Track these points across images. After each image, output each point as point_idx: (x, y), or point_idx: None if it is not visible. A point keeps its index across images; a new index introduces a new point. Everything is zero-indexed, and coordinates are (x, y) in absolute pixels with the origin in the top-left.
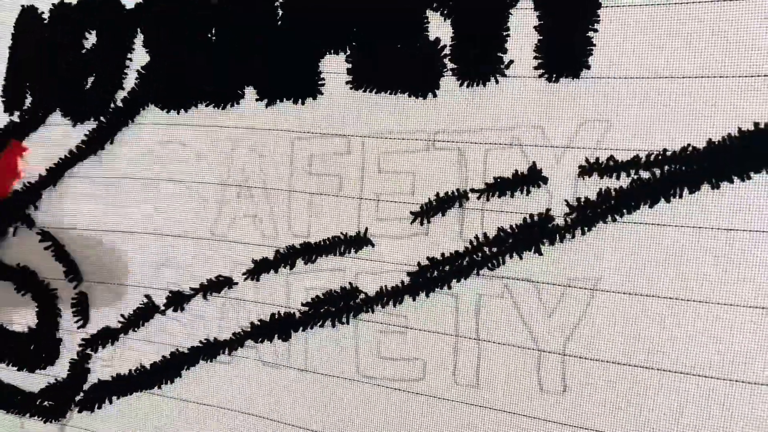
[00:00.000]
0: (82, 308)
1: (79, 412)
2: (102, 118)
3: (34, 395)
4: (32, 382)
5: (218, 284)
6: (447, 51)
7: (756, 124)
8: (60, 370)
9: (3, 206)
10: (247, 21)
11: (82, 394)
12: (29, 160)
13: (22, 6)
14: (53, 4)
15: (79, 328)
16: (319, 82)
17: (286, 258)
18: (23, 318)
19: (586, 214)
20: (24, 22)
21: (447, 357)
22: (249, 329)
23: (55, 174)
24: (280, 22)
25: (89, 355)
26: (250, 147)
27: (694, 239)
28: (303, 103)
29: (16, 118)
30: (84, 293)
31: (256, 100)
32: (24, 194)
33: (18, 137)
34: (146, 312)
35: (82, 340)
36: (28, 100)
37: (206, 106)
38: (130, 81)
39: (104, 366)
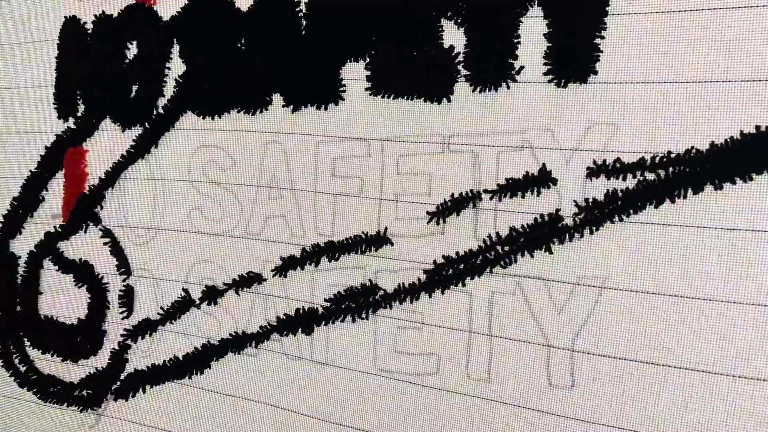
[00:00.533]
0: (127, 300)
1: (115, 400)
2: (147, 124)
3: (74, 385)
4: (72, 372)
5: (249, 280)
6: (461, 58)
7: (757, 128)
8: (100, 360)
9: (78, 206)
10: (274, 31)
11: (118, 383)
12: (90, 162)
13: (65, 17)
14: (95, 16)
15: (123, 318)
16: (341, 89)
17: (312, 256)
18: (73, 310)
19: (594, 214)
20: (68, 32)
21: (460, 352)
22: (275, 323)
23: (112, 176)
24: (304, 32)
25: (129, 346)
26: (278, 151)
27: (698, 238)
28: (326, 109)
29: (71, 124)
30: (131, 286)
31: (283, 106)
32: (91, 195)
33: (74, 143)
34: (183, 305)
35: (125, 330)
36: (81, 108)
37: (237, 112)
38: (169, 89)
39: (142, 356)
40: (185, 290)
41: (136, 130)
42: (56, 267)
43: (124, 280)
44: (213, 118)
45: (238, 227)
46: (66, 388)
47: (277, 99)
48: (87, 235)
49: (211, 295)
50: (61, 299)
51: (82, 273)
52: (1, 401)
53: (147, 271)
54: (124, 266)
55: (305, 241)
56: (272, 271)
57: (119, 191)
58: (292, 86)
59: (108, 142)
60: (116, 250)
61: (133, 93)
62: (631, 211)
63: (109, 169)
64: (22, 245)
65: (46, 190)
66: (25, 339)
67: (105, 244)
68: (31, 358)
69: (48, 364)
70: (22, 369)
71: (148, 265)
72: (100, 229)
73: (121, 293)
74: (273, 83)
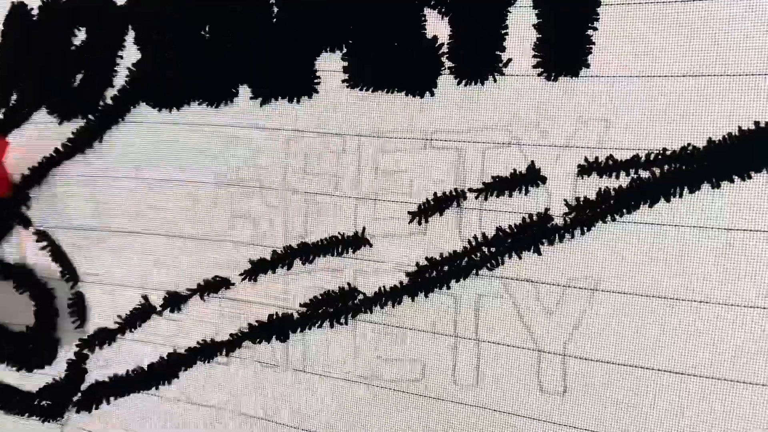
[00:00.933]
0: (78, 308)
1: (77, 412)
2: (90, 116)
3: (33, 395)
4: (31, 381)
5: (215, 285)
6: (444, 49)
7: (756, 123)
8: (58, 369)
9: (2, 205)
10: (242, 17)
11: (79, 394)
12: (12, 156)
13: (12, 2)
14: (42, 1)
15: (76, 328)
16: (315, 81)
17: (284, 258)
18: (22, 317)
19: (586, 214)
20: (13, 18)
21: (446, 358)
22: (247, 330)
23: (39, 173)
24: (275, 19)
25: (86, 356)
26: (244, 146)
27: (695, 239)
28: (298, 102)
29: (0, 114)
30: (81, 293)
31: (251, 98)
32: (13, 193)
33: (2, 133)
34: (143, 312)
35: (80, 340)
36: (14, 97)
37: (199, 104)
38: (120, 79)
39: (101, 367)
40: (144, 297)
41: (77, 123)
42: None
43: (71, 287)
44: (170, 111)
45: (199, 228)
46: (25, 398)
47: (245, 91)
48: (27, 237)
49: (174, 301)
50: (5, 305)
51: (22, 278)
52: None
53: (98, 277)
54: (69, 272)
55: (275, 243)
56: (240, 275)
57: (51, 190)
58: (261, 77)
59: (37, 135)
60: (57, 254)
61: (77, 82)
62: (625, 210)
63: (36, 165)
64: None
65: None
66: None
67: (42, 248)
68: None
69: (5, 373)
70: None
71: (99, 270)
72: (34, 232)
73: (71, 301)
74: (240, 74)
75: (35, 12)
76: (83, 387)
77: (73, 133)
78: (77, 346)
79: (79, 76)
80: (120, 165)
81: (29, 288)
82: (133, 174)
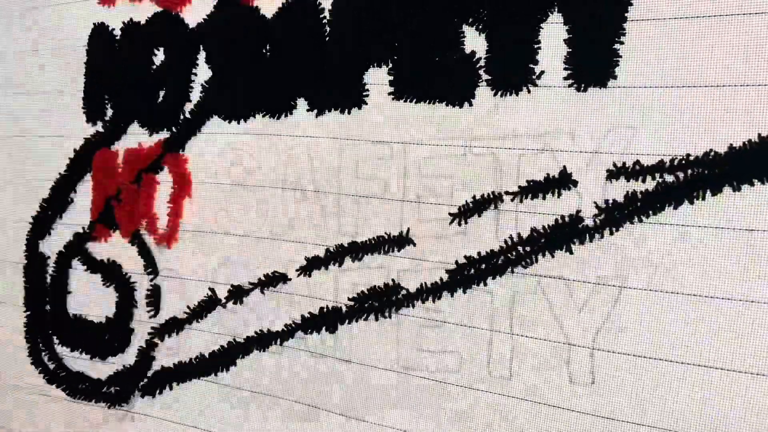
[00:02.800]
0: (155, 299)
1: (142, 397)
2: (174, 128)
3: (102, 382)
4: (101, 369)
5: (274, 280)
6: (482, 63)
7: None
8: (128, 358)
9: (106, 207)
10: (298, 37)
11: (146, 380)
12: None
13: (94, 24)
14: (124, 23)
15: (150, 317)
16: (364, 94)
17: (336, 256)
18: (101, 309)
19: (614, 216)
20: (96, 38)
21: (482, 350)
22: (299, 322)
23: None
24: (327, 38)
25: (156, 344)
26: (302, 154)
27: (717, 239)
28: (349, 113)
29: (99, 128)
30: (158, 286)
31: (307, 110)
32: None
33: (102, 146)
34: (209, 304)
35: (152, 328)
36: (109, 112)
37: (263, 116)
38: (195, 94)
39: (169, 354)
40: (211, 289)
41: (163, 134)
42: (85, 267)
43: (151, 280)
44: (238, 122)
45: (264, 228)
46: (94, 385)
47: (302, 104)
48: (113, 235)
49: (238, 294)
50: (90, 298)
51: (110, 273)
52: (31, 397)
53: (174, 271)
54: (151, 266)
55: (329, 242)
56: (297, 270)
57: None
58: (316, 91)
59: (135, 146)
60: (143, 250)
61: (160, 98)
62: (651, 212)
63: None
64: (52, 246)
65: (75, 192)
66: (54, 337)
67: (132, 244)
68: (60, 355)
69: (76, 361)
70: (51, 366)
71: (175, 265)
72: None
73: (149, 292)
74: (297, 88)
75: (117, 33)
76: (149, 373)
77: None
78: (149, 334)
79: (161, 92)
80: (197, 171)
81: (115, 281)
82: (211, 179)
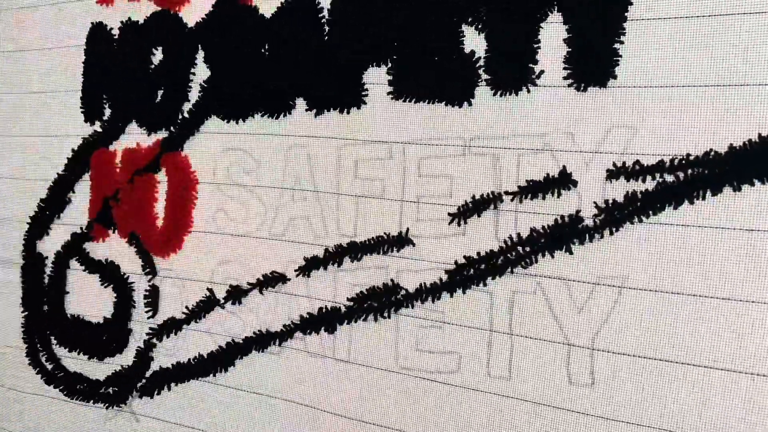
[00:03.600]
0: (153, 300)
1: (140, 397)
2: (172, 128)
3: (100, 383)
4: (98, 370)
5: (273, 280)
6: (481, 63)
7: None
8: (126, 358)
9: (104, 208)
10: (297, 37)
11: (144, 380)
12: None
13: (92, 23)
14: (122, 22)
15: (149, 318)
16: (363, 93)
17: (335, 256)
18: (100, 309)
19: (614, 216)
20: (94, 38)
21: (481, 350)
22: (298, 322)
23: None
24: (326, 38)
25: (154, 344)
26: (301, 154)
27: (717, 239)
28: (348, 113)
29: (97, 127)
30: (156, 286)
31: (306, 110)
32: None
33: (100, 146)
34: (208, 305)
35: (150, 329)
36: (107, 112)
37: (261, 116)
38: (194, 94)
39: (167, 355)
40: (210, 290)
41: (162, 134)
42: (83, 267)
43: (149, 280)
44: (237, 122)
45: (262, 228)
46: (92, 386)
47: (301, 103)
48: (112, 235)
49: (236, 294)
50: (88, 299)
51: (108, 273)
52: (28, 398)
53: (172, 272)
54: (149, 267)
55: (328, 242)
56: (296, 271)
57: None
58: (315, 91)
59: (133, 146)
60: (142, 250)
61: (159, 98)
62: (651, 212)
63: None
64: (49, 246)
65: (73, 192)
66: (52, 337)
67: (130, 244)
68: (57, 356)
69: (74, 361)
70: (49, 366)
71: (173, 266)
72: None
73: (147, 293)
74: (296, 88)
75: (115, 32)
76: (148, 374)
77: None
78: (147, 334)
79: (160, 92)
80: (197, 171)
81: (113, 281)
82: (209, 179)
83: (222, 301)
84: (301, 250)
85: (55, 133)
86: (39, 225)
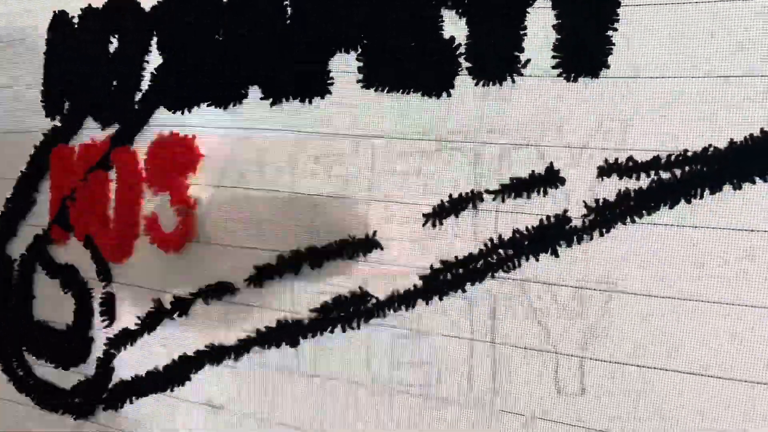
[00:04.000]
0: (108, 308)
1: (104, 410)
2: (123, 121)
3: (66, 392)
4: (65, 379)
5: (218, 291)
6: (462, 50)
7: None
8: (89, 368)
9: (62, 209)
10: (257, 19)
11: (107, 392)
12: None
13: (54, 12)
14: (81, 9)
15: (105, 327)
16: (329, 82)
17: (290, 263)
18: (62, 315)
19: (605, 216)
20: (56, 27)
21: (462, 361)
22: (254, 336)
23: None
24: (288, 20)
25: (113, 355)
26: (251, 148)
27: (716, 240)
28: (310, 103)
29: (57, 122)
30: (111, 293)
31: (261, 99)
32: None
33: (59, 142)
34: (157, 315)
35: (107, 339)
36: (67, 105)
37: (208, 106)
38: (146, 83)
39: (125, 366)
40: (156, 300)
41: (114, 128)
42: (45, 271)
43: (104, 287)
44: (183, 113)
45: (205, 231)
46: (60, 395)
47: (255, 92)
48: (71, 238)
49: (180, 305)
50: (52, 304)
51: (68, 278)
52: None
53: (127, 278)
54: (103, 272)
55: (281, 247)
56: (245, 281)
57: None
58: (272, 78)
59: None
60: (96, 254)
61: (112, 88)
62: (644, 212)
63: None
64: (18, 248)
65: (37, 191)
66: (21, 344)
67: (86, 247)
68: (28, 363)
69: (44, 369)
70: (20, 373)
71: (126, 272)
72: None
73: (101, 300)
74: (251, 75)
75: (75, 21)
76: (110, 385)
77: (111, 137)
78: (105, 345)
79: (114, 82)
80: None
81: (72, 287)
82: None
83: (169, 311)
84: (250, 256)
85: (20, 129)
86: (7, 225)
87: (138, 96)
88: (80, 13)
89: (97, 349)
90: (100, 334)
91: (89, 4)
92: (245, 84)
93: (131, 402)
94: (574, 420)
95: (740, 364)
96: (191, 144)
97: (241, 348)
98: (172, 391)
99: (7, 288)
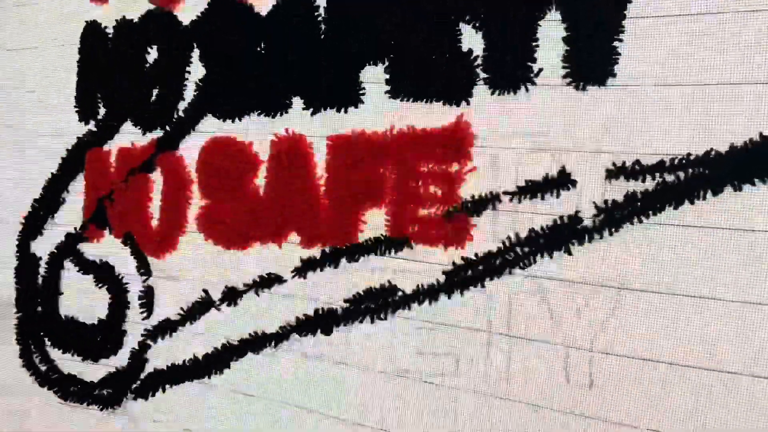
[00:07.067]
0: (147, 301)
1: (134, 399)
2: (168, 128)
3: (94, 384)
4: (92, 372)
5: (269, 281)
6: (479, 61)
7: None
8: (120, 360)
9: (99, 208)
10: (293, 35)
11: (138, 382)
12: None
13: (86, 21)
14: (117, 21)
15: (143, 319)
16: (360, 92)
17: (331, 257)
18: (94, 310)
19: (614, 216)
20: (89, 36)
21: (480, 352)
22: (294, 324)
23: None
24: (323, 36)
25: (149, 346)
26: (294, 153)
27: (718, 240)
28: (346, 111)
29: (92, 127)
30: (150, 287)
31: (303, 108)
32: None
33: (95, 145)
34: (203, 306)
35: (145, 330)
36: (101, 111)
37: (258, 115)
38: (189, 92)
39: (162, 356)
40: (205, 291)
41: (157, 134)
42: (77, 268)
43: (144, 281)
44: (233, 121)
45: (259, 228)
46: (86, 387)
47: (297, 102)
48: (106, 236)
49: (232, 295)
50: (82, 300)
51: (103, 274)
52: (22, 399)
53: (167, 272)
54: (144, 267)
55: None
56: (292, 272)
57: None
58: (311, 89)
59: (129, 146)
60: (136, 251)
61: (154, 97)
62: (651, 212)
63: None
64: (44, 246)
65: (67, 192)
66: (46, 339)
67: (125, 245)
68: (51, 357)
69: (69, 363)
70: (43, 368)
71: (168, 266)
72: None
73: (141, 294)
74: (292, 86)
75: (109, 30)
76: (142, 375)
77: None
78: (142, 335)
79: (155, 91)
80: (194, 172)
81: (107, 282)
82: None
83: (217, 302)
84: (297, 250)
85: (49, 133)
86: (33, 225)
87: (182, 104)
88: (115, 24)
89: (131, 342)
90: (135, 326)
91: (123, 16)
92: (288, 94)
93: (164, 390)
94: (583, 411)
95: (743, 359)
96: (249, 150)
97: (281, 336)
98: (209, 378)
99: (33, 286)
